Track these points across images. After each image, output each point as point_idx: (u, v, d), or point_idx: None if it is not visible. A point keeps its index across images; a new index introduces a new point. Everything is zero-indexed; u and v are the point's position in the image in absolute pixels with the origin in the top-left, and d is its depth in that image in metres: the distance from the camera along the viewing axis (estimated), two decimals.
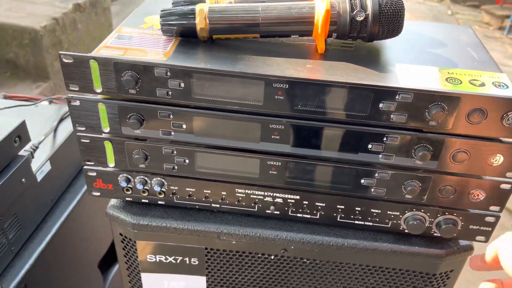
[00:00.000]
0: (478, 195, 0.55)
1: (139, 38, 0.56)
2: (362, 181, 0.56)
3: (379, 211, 0.59)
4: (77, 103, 0.54)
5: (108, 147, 0.58)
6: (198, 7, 0.53)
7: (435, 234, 0.60)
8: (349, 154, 0.54)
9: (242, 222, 0.62)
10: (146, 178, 0.60)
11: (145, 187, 0.61)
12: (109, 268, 1.10)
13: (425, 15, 5.15)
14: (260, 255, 0.64)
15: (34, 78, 2.45)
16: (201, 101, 0.52)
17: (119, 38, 0.55)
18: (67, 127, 0.91)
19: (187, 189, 0.61)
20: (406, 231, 0.60)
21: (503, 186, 0.54)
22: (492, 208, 0.56)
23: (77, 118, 0.56)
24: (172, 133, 0.55)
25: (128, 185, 0.61)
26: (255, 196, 0.60)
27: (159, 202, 0.63)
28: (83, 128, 0.57)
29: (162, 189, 0.61)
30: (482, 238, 0.59)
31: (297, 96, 0.51)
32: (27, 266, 0.74)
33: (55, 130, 0.90)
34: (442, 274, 0.63)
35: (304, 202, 0.60)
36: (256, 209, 0.62)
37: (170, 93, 0.52)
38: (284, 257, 0.64)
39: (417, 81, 0.50)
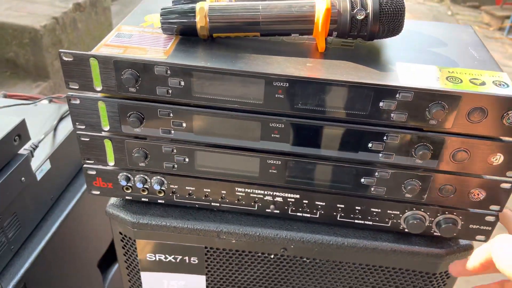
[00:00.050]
0: (478, 194, 0.55)
1: (139, 36, 0.56)
2: (362, 180, 0.56)
3: (379, 210, 0.59)
4: (77, 101, 0.54)
5: (108, 145, 0.58)
6: (198, 6, 0.53)
7: (435, 234, 0.60)
8: (349, 153, 0.54)
9: (242, 221, 0.62)
10: (146, 177, 0.60)
11: (145, 186, 0.61)
12: (109, 267, 1.10)
13: (425, 16, 5.15)
14: (260, 254, 0.64)
15: (34, 78, 2.45)
16: (201, 99, 0.52)
17: (119, 37, 0.55)
18: (67, 126, 0.91)
19: (187, 188, 0.61)
20: (406, 230, 0.60)
21: (503, 185, 0.54)
22: (492, 207, 0.56)
23: (77, 117, 0.56)
24: (172, 131, 0.55)
25: (128, 184, 0.61)
26: (255, 195, 0.60)
27: (159, 201, 0.63)
28: (83, 127, 0.57)
29: (162, 188, 0.61)
30: (482, 237, 0.59)
31: (297, 94, 0.51)
32: (26, 265, 0.74)
33: (55, 129, 0.90)
34: (442, 274, 0.63)
35: (304, 201, 0.60)
36: (256, 208, 0.61)
37: (170, 91, 0.52)
38: (284, 256, 0.64)
39: (418, 80, 0.50)
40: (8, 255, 0.73)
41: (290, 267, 0.65)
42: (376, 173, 0.56)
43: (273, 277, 0.67)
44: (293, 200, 0.60)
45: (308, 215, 0.61)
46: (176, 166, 0.58)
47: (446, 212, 0.58)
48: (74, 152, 0.90)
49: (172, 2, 0.57)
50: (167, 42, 0.55)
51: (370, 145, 0.53)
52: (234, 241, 0.62)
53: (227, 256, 0.65)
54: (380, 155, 0.54)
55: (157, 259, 0.65)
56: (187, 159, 0.58)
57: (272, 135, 0.54)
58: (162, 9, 0.54)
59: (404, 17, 0.52)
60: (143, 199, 0.63)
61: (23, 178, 0.74)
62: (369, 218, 0.60)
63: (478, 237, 0.59)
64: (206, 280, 0.68)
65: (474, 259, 0.50)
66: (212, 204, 0.62)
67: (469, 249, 0.61)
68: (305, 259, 0.64)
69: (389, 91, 0.49)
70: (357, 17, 0.51)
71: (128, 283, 0.72)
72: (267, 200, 0.61)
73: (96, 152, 0.59)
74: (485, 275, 0.54)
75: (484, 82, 0.50)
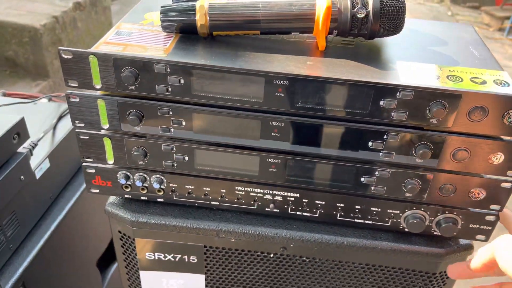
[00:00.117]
0: (478, 193, 0.55)
1: (139, 34, 0.56)
2: (362, 179, 0.56)
3: (379, 210, 0.59)
4: (76, 99, 0.54)
5: (107, 143, 0.58)
6: (198, 4, 0.53)
7: (435, 233, 0.59)
8: (349, 152, 0.54)
9: (241, 220, 0.62)
10: (145, 175, 0.60)
11: (144, 184, 0.61)
12: (108, 266, 1.10)
13: (425, 16, 5.15)
14: (259, 253, 0.63)
15: (33, 77, 2.45)
16: (201, 97, 0.52)
17: (118, 34, 0.55)
18: (66, 125, 0.91)
19: (186, 186, 0.61)
20: (406, 229, 0.59)
21: (504, 184, 0.54)
22: (492, 207, 0.56)
23: (76, 114, 0.56)
24: (172, 130, 0.55)
25: (127, 182, 0.61)
26: (255, 194, 0.60)
27: (158, 200, 0.62)
28: (82, 125, 0.56)
29: (161, 187, 0.61)
30: (482, 237, 0.59)
31: (297, 93, 0.50)
32: (25, 264, 0.74)
33: (54, 127, 0.89)
34: (442, 273, 0.63)
35: (304, 200, 0.60)
36: (255, 207, 0.61)
37: (169, 89, 0.52)
38: (283, 255, 0.63)
39: (418, 78, 0.50)
40: (7, 253, 0.73)
41: (289, 266, 0.65)
42: (376, 172, 0.55)
43: (273, 276, 0.66)
44: (292, 199, 0.60)
45: (308, 214, 0.61)
46: (175, 164, 0.58)
47: (446, 212, 0.57)
48: (73, 150, 0.90)
49: (172, 0, 0.57)
50: (167, 40, 0.55)
51: (370, 144, 0.53)
52: (233, 240, 0.62)
53: (227, 255, 0.64)
54: (380, 154, 0.54)
55: (156, 258, 0.65)
56: (186, 158, 0.58)
57: (272, 134, 0.54)
58: (162, 7, 0.54)
59: (405, 15, 0.52)
60: (142, 198, 0.63)
61: (22, 177, 0.74)
62: (369, 217, 0.60)
63: (478, 236, 0.59)
64: (205, 279, 0.68)
65: (477, 260, 0.50)
66: (212, 203, 0.62)
67: (469, 248, 0.60)
68: (304, 258, 0.63)
69: (390, 90, 0.49)
70: (358, 15, 0.51)
71: (127, 282, 0.72)
72: (267, 199, 0.60)
73: (95, 150, 0.59)
74: (483, 278, 0.54)
75: (485, 81, 0.50)
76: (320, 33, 0.53)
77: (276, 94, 0.51)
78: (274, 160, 0.56)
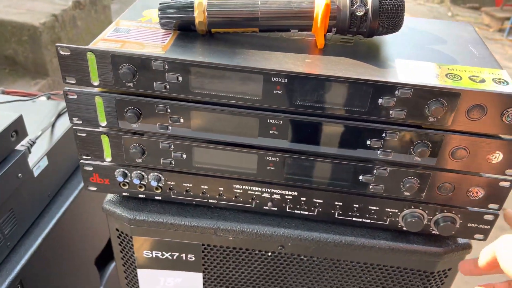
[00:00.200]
0: (477, 192, 0.55)
1: (137, 31, 0.55)
2: (361, 177, 0.56)
3: (377, 208, 0.59)
4: (74, 96, 0.54)
5: (105, 141, 0.57)
6: (197, 0, 0.52)
7: (433, 232, 0.59)
8: (347, 150, 0.54)
9: (239, 218, 0.62)
10: (143, 173, 0.60)
11: (142, 182, 0.60)
12: (106, 265, 1.09)
13: (425, 17, 5.14)
14: (257, 252, 0.63)
15: (32, 75, 2.45)
16: (199, 95, 0.52)
17: (117, 31, 0.55)
18: (65, 123, 0.90)
19: (184, 184, 0.60)
20: (404, 228, 0.59)
21: (502, 183, 0.54)
22: (491, 206, 0.56)
23: (74, 112, 0.55)
24: (170, 127, 0.55)
25: (125, 180, 0.60)
26: (253, 192, 0.60)
27: (156, 198, 0.62)
28: (80, 122, 0.56)
29: (159, 184, 0.60)
30: (480, 236, 0.59)
31: (295, 91, 0.50)
32: (23, 262, 0.74)
33: (53, 125, 0.89)
34: (440, 273, 0.63)
35: (302, 198, 0.59)
36: (253, 205, 0.61)
37: (167, 86, 0.51)
38: (281, 254, 0.63)
39: (417, 76, 0.50)
40: (4, 251, 0.73)
41: (287, 265, 0.65)
42: (375, 171, 0.55)
43: (270, 275, 0.66)
44: (291, 197, 0.60)
45: (306, 213, 0.61)
46: (173, 162, 0.58)
47: (445, 211, 0.57)
48: (72, 148, 0.89)
49: None
50: (165, 37, 0.54)
51: (368, 142, 0.53)
52: (231, 238, 0.62)
53: (224, 254, 0.64)
54: (379, 152, 0.53)
55: (154, 256, 0.65)
56: (184, 156, 0.57)
57: (270, 132, 0.54)
58: (160, 3, 0.54)
59: (404, 13, 0.52)
60: (140, 196, 0.62)
61: (20, 174, 0.74)
62: (367, 216, 0.60)
63: (476, 236, 0.59)
64: (203, 278, 0.67)
65: (481, 259, 0.50)
66: (210, 201, 0.62)
67: (467, 248, 0.60)
68: (302, 257, 0.63)
69: (388, 88, 0.49)
70: (357, 13, 0.51)
71: (125, 280, 0.71)
72: (265, 197, 0.60)
73: (93, 147, 0.58)
74: (488, 276, 0.53)
75: (484, 80, 0.50)
76: (318, 30, 0.53)
77: (275, 91, 0.51)
78: (272, 158, 0.56)
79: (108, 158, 0.59)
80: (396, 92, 0.49)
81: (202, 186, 0.60)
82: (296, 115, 0.52)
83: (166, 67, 0.50)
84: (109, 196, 0.65)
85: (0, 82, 2.35)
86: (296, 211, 0.61)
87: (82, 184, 0.91)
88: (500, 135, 0.51)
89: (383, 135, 0.52)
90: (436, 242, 0.60)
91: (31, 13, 2.41)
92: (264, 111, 0.53)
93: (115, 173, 0.60)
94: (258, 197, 0.60)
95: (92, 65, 0.51)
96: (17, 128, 0.73)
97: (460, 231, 0.59)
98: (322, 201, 0.59)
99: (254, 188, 0.60)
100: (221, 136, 0.55)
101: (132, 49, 0.51)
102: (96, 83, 0.52)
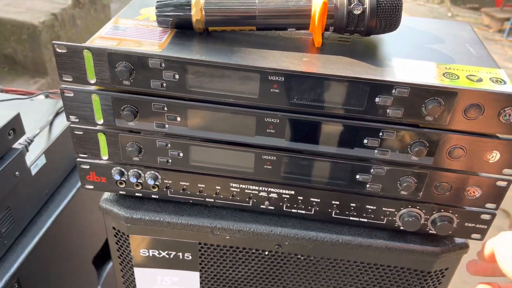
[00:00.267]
0: (474, 192, 0.55)
1: (134, 29, 0.55)
2: (358, 176, 0.56)
3: (374, 208, 0.59)
4: (71, 94, 0.54)
5: (102, 139, 0.57)
6: None
7: (430, 231, 0.59)
8: (344, 149, 0.54)
9: (236, 217, 0.62)
10: (139, 172, 0.60)
11: (138, 181, 0.60)
12: (104, 264, 1.09)
13: (425, 17, 5.15)
14: (254, 251, 0.63)
15: (32, 74, 2.44)
16: (195, 93, 0.52)
17: (114, 29, 0.55)
18: (63, 121, 0.90)
19: (181, 183, 0.60)
20: (401, 228, 0.59)
21: (499, 183, 0.54)
22: (488, 205, 0.56)
23: (71, 110, 0.55)
24: (166, 125, 0.55)
25: (122, 178, 0.60)
26: (250, 191, 0.60)
27: (153, 196, 0.62)
28: (77, 120, 0.56)
29: (156, 183, 0.60)
30: (477, 236, 0.59)
31: (292, 89, 0.50)
32: (20, 260, 0.74)
33: (51, 124, 0.89)
34: (437, 272, 0.62)
35: (299, 197, 0.59)
36: (250, 204, 0.61)
37: (164, 84, 0.51)
38: (278, 253, 0.63)
39: (414, 75, 0.50)
40: (1, 250, 0.73)
41: (284, 264, 0.65)
42: (372, 170, 0.55)
43: (267, 274, 0.66)
44: (288, 196, 0.60)
45: (303, 212, 0.61)
46: (170, 160, 0.58)
47: (442, 210, 0.57)
48: (70, 147, 0.88)
49: None
50: (162, 35, 0.54)
51: (365, 141, 0.53)
52: (228, 237, 0.61)
53: (221, 253, 0.64)
54: (376, 151, 0.53)
55: (151, 254, 0.65)
56: (181, 154, 0.57)
57: (267, 130, 0.54)
58: (157, 1, 0.54)
59: (402, 12, 0.52)
60: (137, 194, 0.62)
61: (17, 173, 0.73)
62: (364, 215, 0.59)
63: (473, 235, 0.59)
64: (200, 277, 0.67)
65: (485, 251, 0.51)
66: (207, 199, 0.62)
67: (464, 247, 0.60)
68: (299, 256, 0.63)
69: (385, 87, 0.49)
70: (354, 12, 0.51)
71: (122, 279, 0.71)
72: (262, 196, 0.60)
73: (90, 146, 0.58)
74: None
75: (481, 79, 0.50)
76: (316, 29, 0.52)
77: (272, 90, 0.51)
78: (269, 157, 0.56)
79: (105, 157, 0.59)
80: (393, 91, 0.49)
81: (199, 185, 0.60)
82: (293, 114, 0.52)
83: (163, 65, 0.50)
84: (106, 195, 0.64)
85: None
86: (293, 210, 0.61)
87: (80, 183, 0.91)
88: (497, 135, 0.51)
89: (380, 134, 0.52)
90: (433, 241, 0.60)
91: (30, 12, 2.41)
92: (261, 109, 0.52)
93: (112, 171, 0.60)
94: (255, 196, 0.60)
95: (89, 63, 0.51)
96: (15, 126, 0.73)
97: (457, 231, 0.59)
98: (319, 200, 0.59)
99: (251, 187, 0.59)
100: (218, 135, 0.55)
101: (129, 47, 0.51)
102: (92, 81, 0.52)
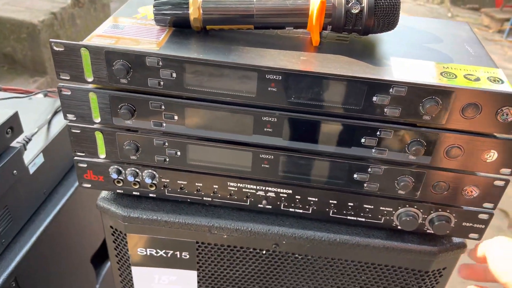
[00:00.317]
0: (471, 191, 0.55)
1: (132, 27, 0.55)
2: (355, 176, 0.56)
3: (372, 207, 0.59)
4: (68, 92, 0.54)
5: (99, 137, 0.57)
6: None
7: (428, 231, 0.59)
8: (342, 148, 0.54)
9: (233, 216, 0.62)
10: (137, 170, 0.60)
11: (136, 179, 0.60)
12: (102, 263, 1.09)
13: (424, 17, 5.15)
14: (251, 250, 0.63)
15: (31, 73, 2.44)
16: (193, 92, 0.52)
17: (111, 27, 0.55)
18: (61, 120, 0.90)
19: (178, 181, 0.60)
20: (398, 227, 0.59)
21: (497, 182, 0.54)
22: (485, 205, 0.56)
23: (68, 108, 0.55)
24: (164, 124, 0.55)
25: (119, 177, 0.60)
26: (247, 190, 0.60)
27: (150, 195, 0.62)
28: (74, 118, 0.56)
29: (154, 182, 0.60)
30: (475, 235, 0.59)
31: (290, 88, 0.50)
32: (17, 259, 0.73)
33: (49, 122, 0.89)
34: (434, 272, 0.62)
35: (297, 196, 0.59)
36: (248, 203, 0.61)
37: (162, 83, 0.51)
38: (275, 252, 0.63)
39: (412, 74, 0.49)
40: None
41: (282, 263, 0.64)
42: (369, 169, 0.55)
43: (265, 273, 0.66)
44: (285, 195, 0.59)
45: (301, 211, 0.61)
46: (167, 159, 0.58)
47: (440, 210, 0.57)
48: (68, 146, 0.88)
49: None
50: (160, 33, 0.54)
51: (363, 140, 0.53)
52: (225, 236, 0.61)
53: (219, 252, 0.64)
54: (373, 150, 0.53)
55: (148, 253, 0.65)
56: (178, 153, 0.57)
57: (265, 129, 0.54)
58: (155, 0, 0.54)
59: (400, 11, 0.52)
60: (134, 193, 0.62)
61: (15, 171, 0.73)
62: (361, 214, 0.59)
63: (471, 235, 0.59)
64: (198, 276, 0.67)
65: (475, 252, 0.52)
66: (204, 198, 0.61)
67: (462, 247, 0.60)
68: (297, 255, 0.63)
69: (383, 86, 0.48)
70: (352, 11, 0.51)
71: (119, 277, 0.71)
72: (260, 195, 0.60)
73: (87, 144, 0.58)
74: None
75: (479, 78, 0.50)
76: (314, 28, 0.52)
77: (269, 89, 0.50)
78: (267, 156, 0.56)
79: (102, 155, 0.59)
80: (391, 90, 0.48)
81: (196, 184, 0.60)
82: (291, 113, 0.52)
83: (160, 63, 0.50)
84: (104, 193, 0.64)
85: None
86: (290, 209, 0.61)
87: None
88: (495, 134, 0.51)
89: (378, 133, 0.52)
90: (431, 241, 0.60)
91: (30, 11, 2.40)
92: (258, 108, 0.52)
93: (109, 170, 0.60)
94: (253, 195, 0.60)
95: (86, 61, 0.51)
96: (13, 125, 0.73)
97: (455, 230, 0.58)
98: (316, 199, 0.59)
99: (248, 186, 0.59)
100: (216, 134, 0.55)
101: (127, 45, 0.51)
102: (90, 79, 0.52)
